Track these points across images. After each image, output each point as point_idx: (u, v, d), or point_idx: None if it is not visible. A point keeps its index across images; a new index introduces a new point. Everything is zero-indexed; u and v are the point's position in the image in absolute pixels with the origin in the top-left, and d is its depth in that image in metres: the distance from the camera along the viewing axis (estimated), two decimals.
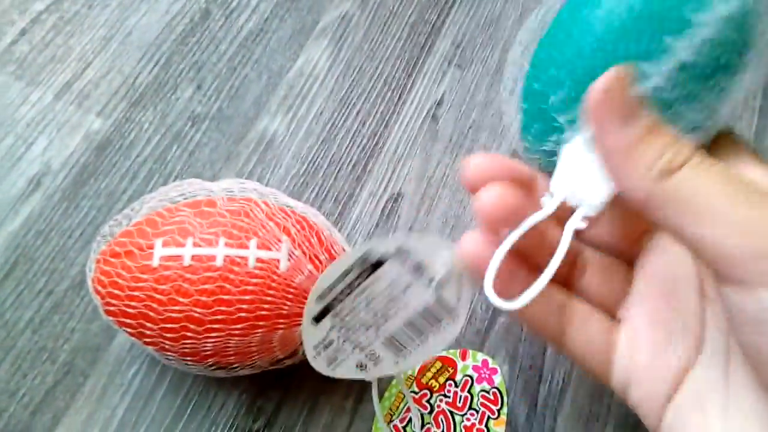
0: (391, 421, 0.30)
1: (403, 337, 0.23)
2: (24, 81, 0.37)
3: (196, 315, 0.24)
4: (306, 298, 0.25)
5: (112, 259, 0.26)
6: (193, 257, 0.25)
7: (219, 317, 0.24)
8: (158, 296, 0.24)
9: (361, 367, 0.23)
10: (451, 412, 0.31)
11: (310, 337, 0.22)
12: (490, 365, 0.32)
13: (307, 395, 0.31)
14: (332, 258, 0.27)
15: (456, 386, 0.31)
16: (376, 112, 0.38)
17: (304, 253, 0.26)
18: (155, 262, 0.25)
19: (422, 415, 0.30)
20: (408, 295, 0.22)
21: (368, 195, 0.36)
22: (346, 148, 0.37)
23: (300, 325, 0.26)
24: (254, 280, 0.25)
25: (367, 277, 0.21)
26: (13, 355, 0.31)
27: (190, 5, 0.40)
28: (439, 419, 0.30)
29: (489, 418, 0.30)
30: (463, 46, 0.41)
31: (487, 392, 0.31)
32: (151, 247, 0.25)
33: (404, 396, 0.30)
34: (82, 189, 0.35)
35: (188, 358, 0.26)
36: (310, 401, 0.31)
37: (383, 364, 0.23)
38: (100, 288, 0.26)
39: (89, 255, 0.28)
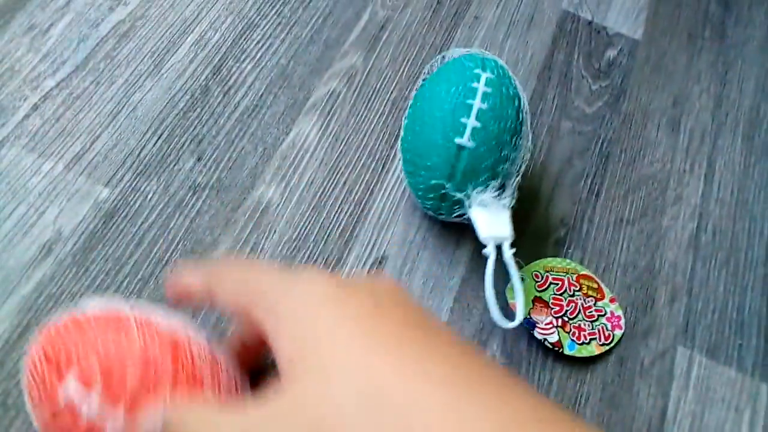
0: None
1: None
2: (36, 153, 0.40)
3: None
4: None
5: None
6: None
7: None
8: None
9: None
10: (580, 310, 0.39)
11: None
12: (621, 321, 0.39)
13: None
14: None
15: (594, 304, 0.39)
16: (362, 181, 0.42)
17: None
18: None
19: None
20: None
21: (355, 258, 0.40)
22: (335, 214, 0.41)
23: None
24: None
25: None
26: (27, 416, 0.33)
27: (191, 83, 0.44)
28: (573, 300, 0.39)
29: (594, 339, 0.38)
30: None
31: (608, 330, 0.39)
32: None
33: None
34: (90, 254, 0.37)
35: None
36: None
37: None
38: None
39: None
